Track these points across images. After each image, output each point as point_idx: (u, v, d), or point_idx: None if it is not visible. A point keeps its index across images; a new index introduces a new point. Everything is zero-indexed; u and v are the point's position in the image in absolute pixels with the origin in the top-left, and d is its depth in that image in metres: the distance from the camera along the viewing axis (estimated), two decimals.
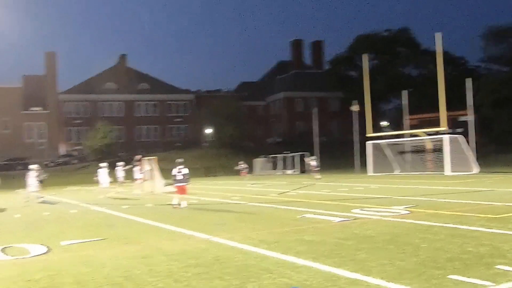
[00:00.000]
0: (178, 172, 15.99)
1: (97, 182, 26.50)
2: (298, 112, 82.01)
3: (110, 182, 26.25)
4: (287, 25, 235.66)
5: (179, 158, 17.05)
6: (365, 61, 43.78)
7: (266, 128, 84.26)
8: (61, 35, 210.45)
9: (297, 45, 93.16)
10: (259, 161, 58.14)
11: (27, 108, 69.03)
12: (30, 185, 23.16)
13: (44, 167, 38.42)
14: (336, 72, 77.83)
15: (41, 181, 23.69)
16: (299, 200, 17.99)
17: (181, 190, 16.06)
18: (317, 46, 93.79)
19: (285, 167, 55.13)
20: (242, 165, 39.86)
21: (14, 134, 67.49)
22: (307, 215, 12.73)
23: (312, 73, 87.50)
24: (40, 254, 8.61)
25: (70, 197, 26.08)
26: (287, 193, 22.28)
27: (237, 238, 9.33)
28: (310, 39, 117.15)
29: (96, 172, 27.20)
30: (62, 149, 71.03)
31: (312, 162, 36.47)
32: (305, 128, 74.02)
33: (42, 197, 23.63)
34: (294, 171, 52.65)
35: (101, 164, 26.61)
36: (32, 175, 23.11)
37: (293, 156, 54.23)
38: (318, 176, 34.13)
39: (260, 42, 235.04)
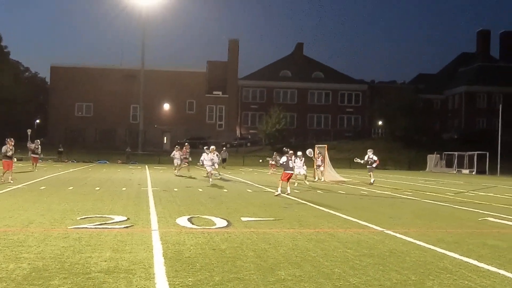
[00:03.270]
0: (289, 160, 16.83)
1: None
2: (480, 108, 76.27)
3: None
4: (473, 14, 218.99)
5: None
6: None
7: (442, 123, 79.83)
8: (243, 23, 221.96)
9: (484, 35, 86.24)
10: (432, 157, 55.37)
11: (210, 92, 74.22)
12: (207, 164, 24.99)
13: (222, 147, 41.09)
14: None
15: (224, 159, 25.53)
16: (478, 202, 16.79)
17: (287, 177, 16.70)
18: (507, 37, 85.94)
19: (460, 166, 51.74)
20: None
21: (197, 115, 73.12)
22: (489, 219, 11.87)
23: (499, 66, 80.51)
24: (223, 227, 9.28)
25: (245, 177, 27.59)
26: (465, 193, 20.93)
27: (413, 234, 9.07)
28: (498, 29, 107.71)
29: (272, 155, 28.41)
30: (238, 132, 75.28)
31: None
32: (487, 126, 68.62)
33: (220, 175, 25.49)
34: (471, 171, 49.16)
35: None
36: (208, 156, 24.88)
37: (471, 155, 50.60)
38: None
39: (441, 32, 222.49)
